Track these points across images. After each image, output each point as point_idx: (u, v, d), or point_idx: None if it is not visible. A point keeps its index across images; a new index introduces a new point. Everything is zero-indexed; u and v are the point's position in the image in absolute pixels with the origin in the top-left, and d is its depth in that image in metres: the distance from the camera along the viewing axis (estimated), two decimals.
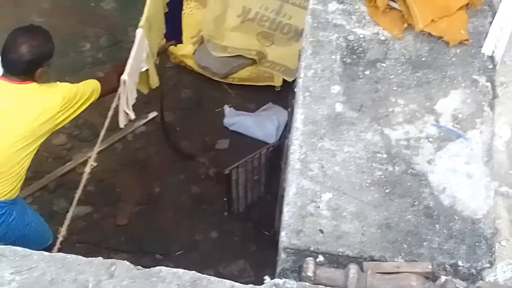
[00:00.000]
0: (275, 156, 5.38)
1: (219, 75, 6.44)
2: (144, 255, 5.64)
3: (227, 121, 6.32)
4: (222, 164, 5.73)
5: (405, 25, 3.94)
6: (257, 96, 6.43)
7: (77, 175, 5.99)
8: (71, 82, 6.09)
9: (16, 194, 4.50)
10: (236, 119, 6.30)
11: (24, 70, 4.32)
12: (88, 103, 4.50)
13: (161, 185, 6.08)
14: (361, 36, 3.92)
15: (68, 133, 6.15)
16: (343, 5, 4.01)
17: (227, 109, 6.36)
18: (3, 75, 4.36)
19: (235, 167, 5.38)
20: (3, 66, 4.38)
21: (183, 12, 6.32)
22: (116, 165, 6.10)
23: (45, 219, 5.11)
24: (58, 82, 4.46)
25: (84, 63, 6.41)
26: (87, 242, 5.70)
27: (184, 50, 6.42)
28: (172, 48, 6.23)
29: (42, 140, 4.40)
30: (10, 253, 3.14)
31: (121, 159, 6.13)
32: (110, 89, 4.63)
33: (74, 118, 4.53)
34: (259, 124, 6.23)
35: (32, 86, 4.33)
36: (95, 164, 4.18)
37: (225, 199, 5.64)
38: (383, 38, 3.92)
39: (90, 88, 4.50)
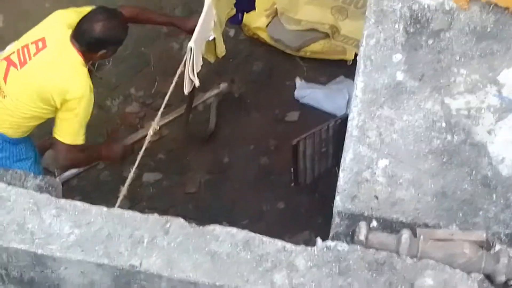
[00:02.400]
0: (343, 128, 5.36)
1: (292, 48, 6.46)
2: (211, 223, 5.69)
3: (298, 93, 6.35)
4: (292, 136, 5.76)
5: None
6: (329, 69, 6.44)
7: (148, 143, 6.13)
8: (147, 52, 6.28)
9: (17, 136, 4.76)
10: (307, 92, 6.32)
11: (88, 43, 4.53)
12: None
13: (230, 155, 6.15)
14: (426, 5, 3.88)
15: (141, 101, 6.27)
16: None
17: (298, 81, 6.38)
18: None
19: (303, 138, 5.40)
20: (75, 30, 4.54)
21: None
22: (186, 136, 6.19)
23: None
24: (91, 88, 4.65)
25: (159, 34, 6.52)
26: (156, 208, 5.80)
27: (258, 22, 6.46)
28: (245, 20, 6.31)
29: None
30: (70, 207, 3.25)
31: (192, 128, 6.21)
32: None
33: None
34: (329, 97, 6.24)
35: (77, 61, 4.54)
36: (158, 128, 4.25)
37: (291, 170, 5.66)
38: (448, 8, 3.87)
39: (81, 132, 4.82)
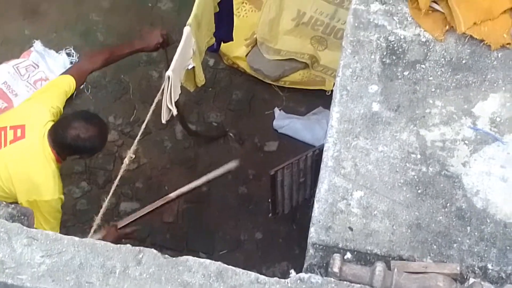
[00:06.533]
0: (321, 159, 5.37)
1: (271, 77, 6.47)
2: (188, 253, 5.67)
3: (276, 123, 6.34)
4: (270, 166, 5.74)
5: (447, 27, 3.91)
6: (308, 99, 6.44)
7: (125, 172, 6.08)
8: (126, 80, 6.27)
9: None
10: (285, 122, 6.32)
11: (60, 147, 4.40)
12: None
13: (209, 184, 6.11)
14: (402, 37, 3.91)
15: (120, 130, 6.25)
16: (385, 6, 4.00)
17: (277, 111, 6.39)
18: None
19: (281, 168, 5.38)
20: (51, 129, 4.44)
21: (238, 14, 6.43)
22: (165, 163, 6.18)
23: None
24: (60, 191, 4.49)
25: (139, 61, 6.50)
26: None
27: (237, 52, 6.47)
28: (225, 50, 6.33)
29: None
30: (42, 236, 3.22)
31: (170, 157, 6.20)
32: (86, 75, 4.82)
33: None
34: (308, 128, 6.24)
35: (49, 161, 4.40)
36: (134, 156, 4.22)
37: (269, 200, 5.65)
38: (424, 39, 3.90)
39: (62, 97, 4.62)
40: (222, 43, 5.56)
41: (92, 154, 4.67)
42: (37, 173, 4.36)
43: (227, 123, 6.37)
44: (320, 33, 6.49)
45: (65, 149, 4.41)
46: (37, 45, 6.38)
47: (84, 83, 5.11)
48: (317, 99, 6.37)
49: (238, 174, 6.14)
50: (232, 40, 5.62)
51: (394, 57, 3.84)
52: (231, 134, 6.26)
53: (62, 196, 4.47)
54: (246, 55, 6.50)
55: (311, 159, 5.41)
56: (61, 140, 4.36)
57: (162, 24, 6.43)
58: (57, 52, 6.44)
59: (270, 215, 5.76)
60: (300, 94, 6.49)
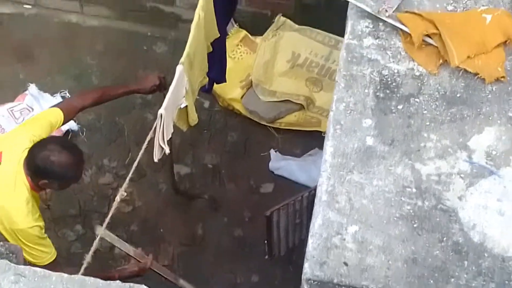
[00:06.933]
0: None
1: (266, 119, 6.44)
2: None
3: (272, 165, 6.31)
4: (266, 208, 5.69)
5: (441, 61, 3.88)
6: (304, 141, 6.41)
7: (120, 214, 6.05)
8: (121, 122, 6.25)
9: None
10: (281, 164, 6.28)
11: (29, 168, 4.33)
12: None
13: (204, 227, 6.08)
14: (396, 71, 3.88)
15: (114, 172, 6.21)
16: (378, 40, 3.97)
17: (273, 153, 6.35)
18: None
19: (276, 209, 5.33)
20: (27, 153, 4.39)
21: (233, 57, 6.44)
22: (160, 205, 6.12)
23: None
24: (35, 219, 4.38)
25: (134, 104, 6.48)
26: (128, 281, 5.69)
27: (232, 94, 6.46)
28: (220, 91, 6.32)
29: None
30: (29, 273, 3.15)
31: (165, 199, 6.14)
32: (75, 111, 4.76)
33: None
34: (304, 169, 6.20)
35: (23, 189, 4.33)
36: (125, 194, 4.17)
37: (265, 241, 5.58)
38: (417, 73, 3.87)
39: (47, 127, 4.55)
40: (214, 83, 5.54)
41: (64, 182, 4.49)
42: (8, 200, 4.30)
43: (223, 165, 6.32)
44: (315, 74, 6.50)
45: (35, 172, 4.32)
46: (32, 88, 6.37)
47: (74, 119, 5.05)
48: (313, 140, 6.33)
49: (233, 217, 6.10)
50: (225, 81, 5.61)
51: (388, 91, 3.81)
52: (206, 197, 6.17)
53: (41, 223, 4.37)
54: (241, 97, 6.49)
55: (306, 199, 5.37)
56: (32, 161, 4.30)
57: (157, 67, 6.43)
58: (52, 95, 6.42)
59: (266, 257, 5.70)
60: (295, 136, 6.46)
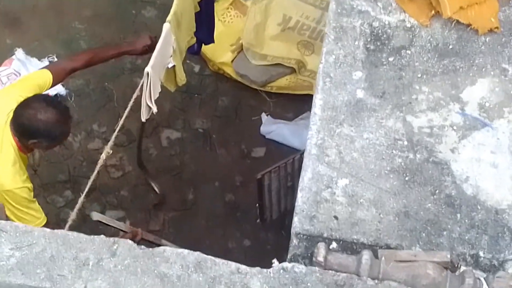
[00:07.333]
0: None
1: (258, 83, 6.36)
2: None
3: (264, 129, 6.23)
4: (258, 172, 5.62)
5: (433, 12, 3.79)
6: (295, 104, 6.34)
7: (110, 180, 5.97)
8: (110, 87, 6.16)
9: None
10: (273, 128, 6.21)
11: (17, 129, 4.23)
12: None
13: (195, 192, 6.02)
14: (386, 22, 3.79)
15: (104, 137, 6.12)
16: None
17: (264, 117, 6.28)
18: None
19: (268, 172, 5.26)
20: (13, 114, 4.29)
21: (223, 20, 6.34)
22: (151, 171, 6.03)
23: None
24: (22, 180, 4.29)
25: (123, 69, 6.38)
26: None
27: (223, 57, 6.37)
28: (211, 55, 6.23)
29: None
30: (11, 228, 3.07)
31: (156, 165, 6.06)
32: (65, 73, 4.65)
33: None
34: (296, 133, 6.11)
35: (11, 149, 4.23)
36: (111, 151, 4.08)
37: (257, 205, 5.51)
38: (409, 25, 3.78)
39: (35, 88, 4.43)
40: (203, 44, 5.44)
41: (50, 141, 4.37)
42: None
43: (214, 130, 6.24)
44: (307, 37, 6.40)
45: (22, 132, 4.22)
46: (19, 53, 6.25)
47: (62, 84, 4.96)
48: (305, 104, 6.22)
49: (225, 181, 6.03)
50: (213, 42, 5.52)
51: (378, 43, 3.72)
52: (157, 190, 5.90)
53: (29, 185, 4.28)
54: (232, 61, 6.40)
55: (298, 162, 5.28)
56: (18, 121, 4.20)
57: (146, 31, 6.31)
58: (39, 60, 6.31)
59: (258, 220, 5.63)
60: (287, 99, 6.39)
